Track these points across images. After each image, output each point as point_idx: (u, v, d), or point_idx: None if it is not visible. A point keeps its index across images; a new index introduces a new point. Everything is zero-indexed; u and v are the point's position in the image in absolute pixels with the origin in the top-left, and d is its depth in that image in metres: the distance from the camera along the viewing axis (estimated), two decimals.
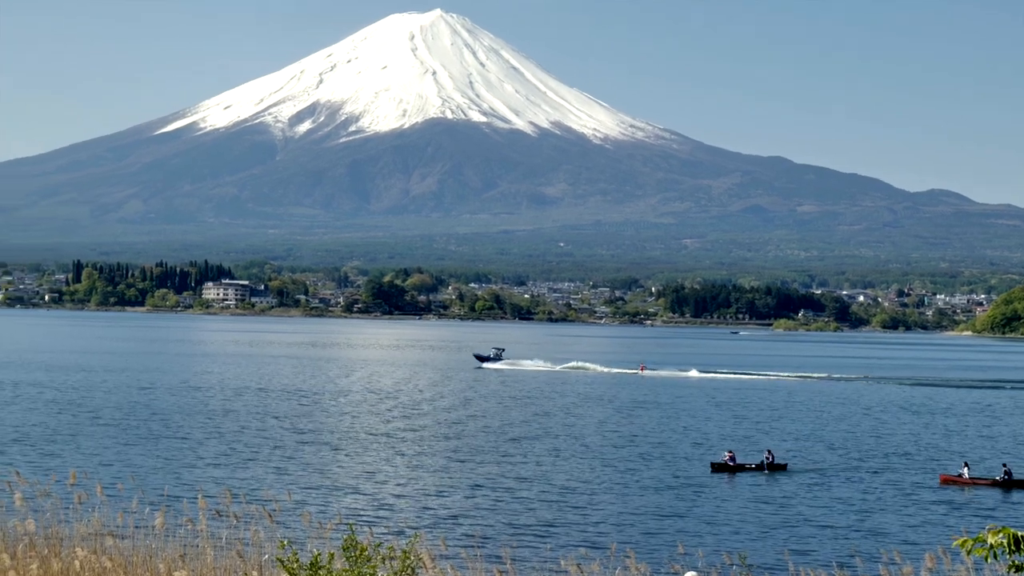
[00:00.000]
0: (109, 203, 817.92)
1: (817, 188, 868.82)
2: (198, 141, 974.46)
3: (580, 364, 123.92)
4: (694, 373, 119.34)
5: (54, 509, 24.37)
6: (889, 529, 38.37)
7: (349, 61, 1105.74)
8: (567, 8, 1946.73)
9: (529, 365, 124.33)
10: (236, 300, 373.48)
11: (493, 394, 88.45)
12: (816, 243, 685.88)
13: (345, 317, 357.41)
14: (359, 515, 36.10)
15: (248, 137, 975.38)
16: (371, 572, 16.38)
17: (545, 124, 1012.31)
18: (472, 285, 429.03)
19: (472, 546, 27.74)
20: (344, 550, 16.52)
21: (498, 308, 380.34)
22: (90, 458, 47.53)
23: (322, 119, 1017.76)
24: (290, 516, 30.76)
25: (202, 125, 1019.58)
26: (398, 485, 43.52)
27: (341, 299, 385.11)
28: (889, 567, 23.09)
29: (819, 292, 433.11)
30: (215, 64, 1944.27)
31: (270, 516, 23.03)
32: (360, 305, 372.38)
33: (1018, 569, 12.50)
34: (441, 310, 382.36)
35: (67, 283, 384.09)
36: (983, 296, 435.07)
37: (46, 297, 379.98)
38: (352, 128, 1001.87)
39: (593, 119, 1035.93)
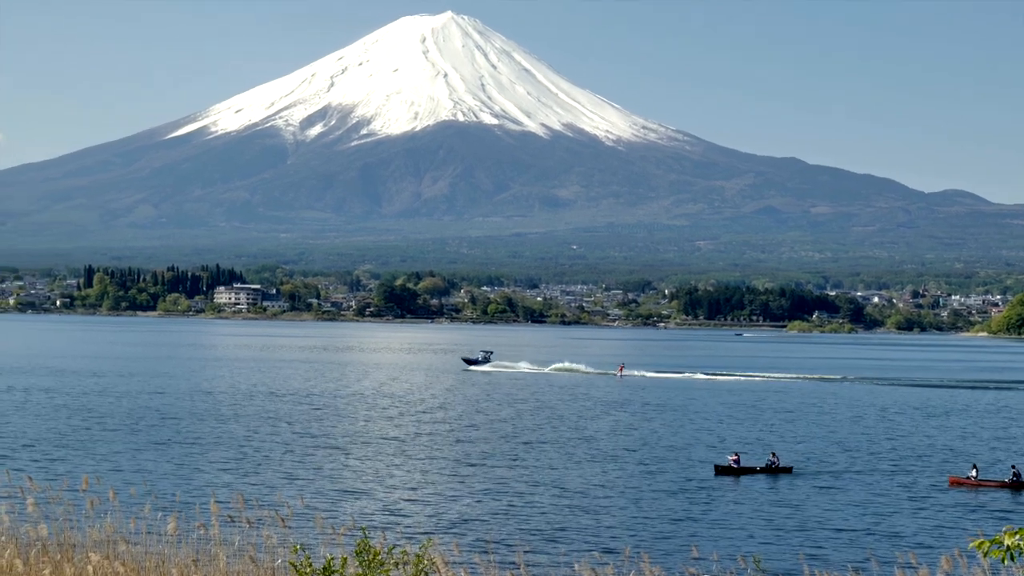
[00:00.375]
0: (120, 208, 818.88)
1: (831, 189, 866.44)
2: (209, 145, 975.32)
3: (568, 366, 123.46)
4: (668, 374, 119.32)
5: (66, 514, 24.48)
6: (899, 531, 38.14)
7: (360, 64, 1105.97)
8: (579, 10, 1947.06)
9: (517, 367, 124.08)
10: (248, 304, 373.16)
11: (505, 398, 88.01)
12: (830, 244, 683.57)
13: (357, 321, 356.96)
14: (371, 520, 36.10)
15: (259, 141, 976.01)
16: None
17: (557, 126, 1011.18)
18: (484, 288, 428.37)
19: (485, 551, 27.62)
20: (357, 554, 16.46)
21: (510, 311, 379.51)
22: (102, 463, 47.55)
23: (333, 122, 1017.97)
24: (302, 521, 30.86)
25: (213, 129, 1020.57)
26: (410, 489, 43.48)
27: (353, 303, 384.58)
28: (905, 570, 22.87)
29: (833, 294, 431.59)
30: (226, 68, 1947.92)
31: (283, 521, 23.14)
32: (372, 309, 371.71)
33: None
34: (453, 313, 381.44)
35: (78, 288, 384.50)
36: (998, 297, 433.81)
37: (57, 302, 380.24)
38: (363, 131, 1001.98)
39: (605, 121, 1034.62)
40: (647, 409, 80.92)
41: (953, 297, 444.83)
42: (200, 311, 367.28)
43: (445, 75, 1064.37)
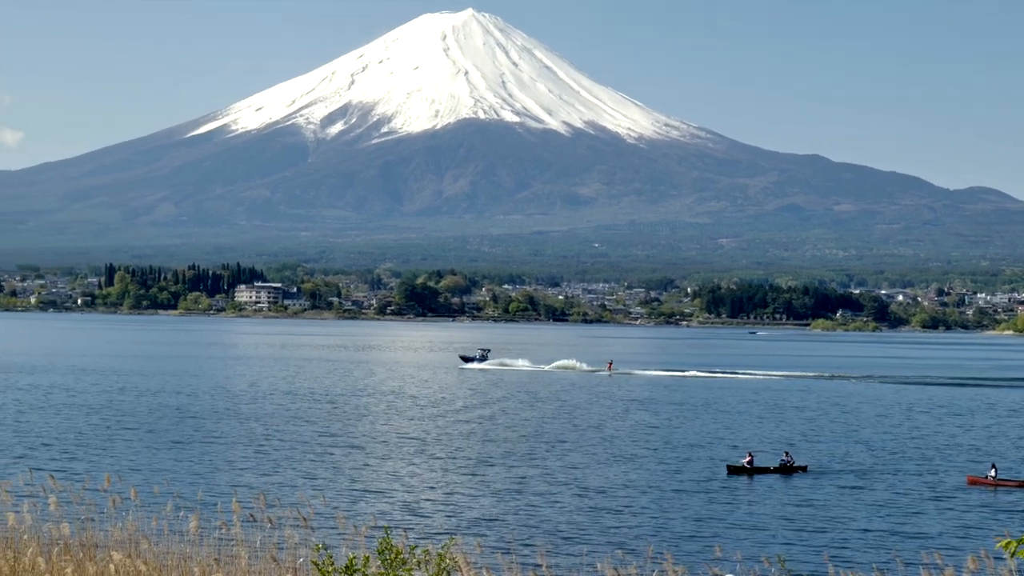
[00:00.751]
0: (141, 206, 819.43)
1: (855, 186, 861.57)
2: (229, 143, 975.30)
3: (567, 364, 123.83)
4: (659, 372, 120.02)
5: (88, 513, 24.70)
6: (922, 531, 38.12)
7: (381, 62, 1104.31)
8: (600, 7, 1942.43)
9: (515, 365, 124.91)
10: (269, 303, 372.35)
11: (525, 396, 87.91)
12: (854, 242, 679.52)
13: (378, 319, 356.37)
14: (392, 519, 36.19)
15: (280, 139, 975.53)
16: (407, 575, 16.39)
17: (579, 123, 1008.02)
18: (506, 286, 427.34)
19: (508, 551, 27.65)
20: (379, 553, 16.38)
21: (532, 309, 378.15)
22: (123, 462, 47.77)
23: (354, 120, 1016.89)
24: (324, 520, 31.04)
25: (233, 127, 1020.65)
26: (431, 488, 43.70)
27: (374, 301, 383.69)
28: (931, 570, 22.82)
29: (857, 292, 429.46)
30: (246, 66, 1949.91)
31: (304, 520, 23.36)
32: (393, 307, 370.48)
33: None
34: (475, 312, 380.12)
35: (99, 286, 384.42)
36: None
37: (79, 301, 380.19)
38: (384, 129, 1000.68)
39: (627, 118, 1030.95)
40: (669, 408, 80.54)
41: (979, 295, 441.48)
42: (221, 310, 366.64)
43: (466, 73, 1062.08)
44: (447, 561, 17.13)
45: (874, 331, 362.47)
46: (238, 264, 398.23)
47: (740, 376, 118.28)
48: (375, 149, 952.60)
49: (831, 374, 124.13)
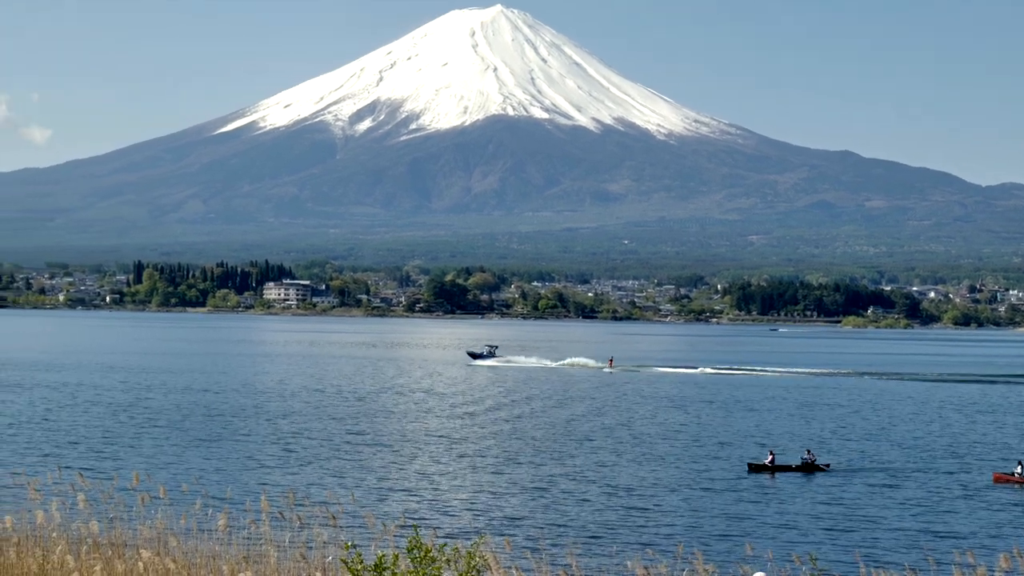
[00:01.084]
0: (169, 203, 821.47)
1: (886, 182, 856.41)
2: (257, 140, 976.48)
3: (576, 361, 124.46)
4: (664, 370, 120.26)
5: (117, 511, 24.74)
6: (952, 529, 37.92)
7: (409, 58, 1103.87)
8: (629, 2, 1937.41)
9: (522, 362, 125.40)
10: (297, 300, 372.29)
11: (553, 393, 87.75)
12: (885, 239, 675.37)
13: (407, 317, 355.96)
14: (421, 517, 36.16)
15: (308, 136, 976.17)
16: (436, 573, 16.31)
17: (608, 120, 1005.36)
18: (535, 284, 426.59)
19: (537, 549, 27.80)
20: (409, 551, 16.31)
21: (561, 307, 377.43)
22: (152, 460, 47.74)
23: (382, 117, 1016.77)
24: (352, 518, 30.82)
25: (261, 124, 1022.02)
26: (459, 487, 43.60)
27: (403, 298, 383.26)
28: (963, 569, 22.75)
29: (888, 289, 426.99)
30: (274, 63, 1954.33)
31: (333, 518, 23.27)
32: (422, 304, 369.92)
33: None
34: (504, 309, 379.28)
35: (128, 284, 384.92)
36: None
37: (107, 298, 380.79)
38: (413, 126, 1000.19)
39: (657, 114, 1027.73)
40: (698, 405, 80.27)
41: (1011, 292, 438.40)
42: (249, 307, 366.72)
43: (495, 69, 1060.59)
44: (476, 560, 16.97)
45: (906, 328, 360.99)
46: (266, 261, 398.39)
47: (748, 373, 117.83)
48: (403, 146, 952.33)
49: (852, 371, 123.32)
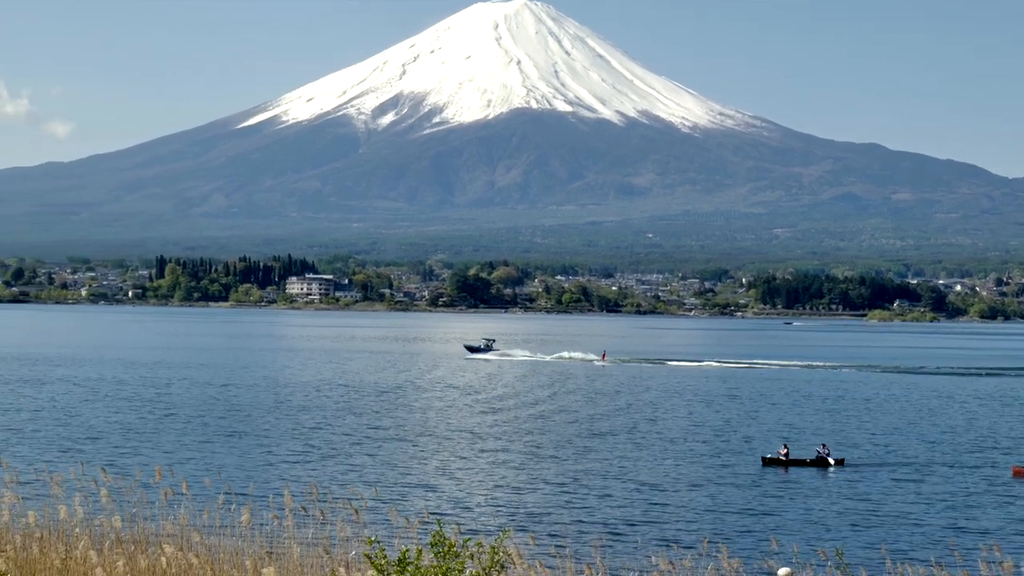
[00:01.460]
0: (192, 198, 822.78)
1: (913, 175, 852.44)
2: (280, 135, 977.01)
3: (570, 354, 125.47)
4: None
5: (140, 505, 24.94)
6: (977, 523, 37.55)
7: (432, 51, 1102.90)
8: None
9: (519, 355, 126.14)
10: (320, 295, 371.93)
11: (577, 389, 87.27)
12: (912, 231, 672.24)
13: (430, 311, 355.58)
14: (444, 512, 35.88)
15: (331, 130, 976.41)
16: (459, 568, 16.20)
17: (632, 113, 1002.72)
18: (559, 277, 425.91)
19: (560, 544, 27.69)
20: (432, 546, 16.25)
21: (585, 301, 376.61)
22: (174, 455, 47.61)
23: (405, 111, 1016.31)
24: (376, 513, 31.00)
25: (284, 118, 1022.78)
26: (482, 482, 43.42)
27: (426, 293, 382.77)
28: (990, 564, 22.27)
29: (915, 282, 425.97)
30: (297, 56, 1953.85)
31: (357, 512, 23.16)
32: (445, 299, 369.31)
33: None
34: (527, 303, 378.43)
35: (150, 279, 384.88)
36: None
37: (129, 293, 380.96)
38: (436, 119, 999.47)
39: (681, 107, 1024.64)
40: (721, 400, 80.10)
41: None
42: (272, 302, 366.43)
43: (518, 62, 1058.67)
44: (500, 555, 16.79)
45: (931, 321, 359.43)
46: (289, 256, 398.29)
47: (748, 366, 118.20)
48: (427, 139, 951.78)
49: (858, 365, 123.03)
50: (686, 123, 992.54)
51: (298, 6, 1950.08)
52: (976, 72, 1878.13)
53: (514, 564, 19.01)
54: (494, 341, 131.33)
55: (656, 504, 39.27)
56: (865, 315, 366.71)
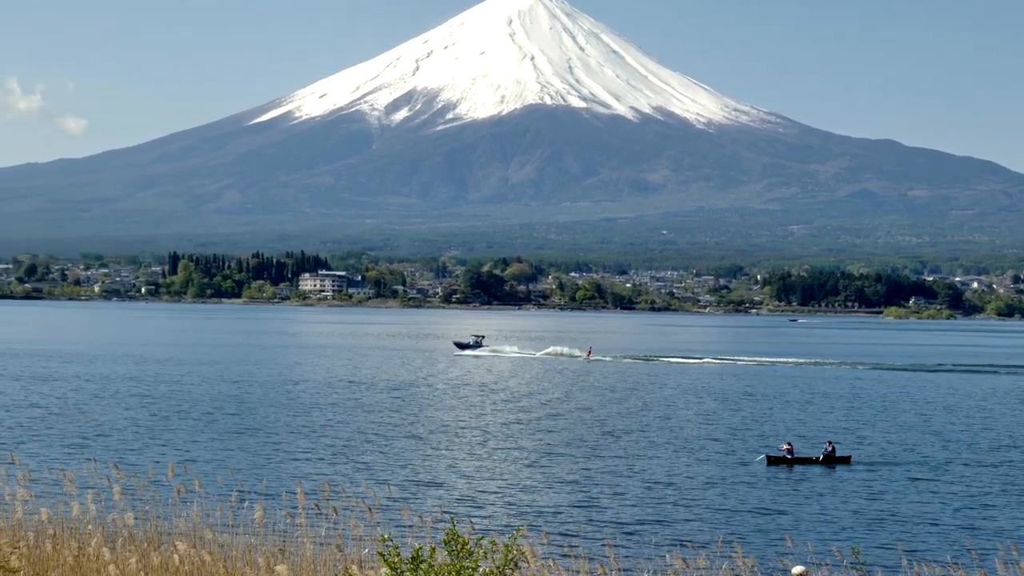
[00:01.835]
0: (205, 194, 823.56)
1: (929, 172, 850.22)
2: (294, 131, 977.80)
3: (559, 350, 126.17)
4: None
5: (153, 503, 25.08)
6: (993, 523, 37.20)
7: (446, 47, 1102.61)
8: None
9: (508, 352, 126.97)
10: (333, 291, 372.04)
11: (592, 387, 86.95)
12: (928, 228, 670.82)
13: (443, 308, 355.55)
14: (457, 510, 35.59)
15: (344, 126, 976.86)
16: (473, 566, 16.11)
17: (647, 109, 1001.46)
18: (573, 274, 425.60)
19: (575, 544, 27.62)
20: (446, 544, 16.13)
21: (599, 297, 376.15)
22: (186, 452, 47.40)
23: (419, 107, 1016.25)
24: (389, 511, 30.70)
25: (297, 114, 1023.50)
26: (495, 480, 43.15)
27: (439, 289, 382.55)
28: (1007, 564, 22.12)
29: (931, 279, 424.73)
30: (310, 52, 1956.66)
31: (370, 510, 23.17)
32: (458, 295, 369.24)
33: None
34: (541, 300, 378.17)
35: (163, 275, 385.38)
36: None
37: (143, 289, 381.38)
38: (449, 115, 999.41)
39: (696, 103, 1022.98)
40: (735, 397, 79.83)
41: None
42: (285, 298, 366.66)
43: (532, 58, 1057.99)
44: (514, 553, 16.63)
45: (948, 319, 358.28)
46: (302, 252, 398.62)
47: (726, 361, 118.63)
48: (440, 135, 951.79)
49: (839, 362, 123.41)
50: (701, 119, 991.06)
51: (311, 2, 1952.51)
52: (993, 68, 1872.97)
53: (528, 563, 18.83)
54: (483, 338, 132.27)
55: (667, 503, 39.05)
56: (881, 312, 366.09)
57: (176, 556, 20.87)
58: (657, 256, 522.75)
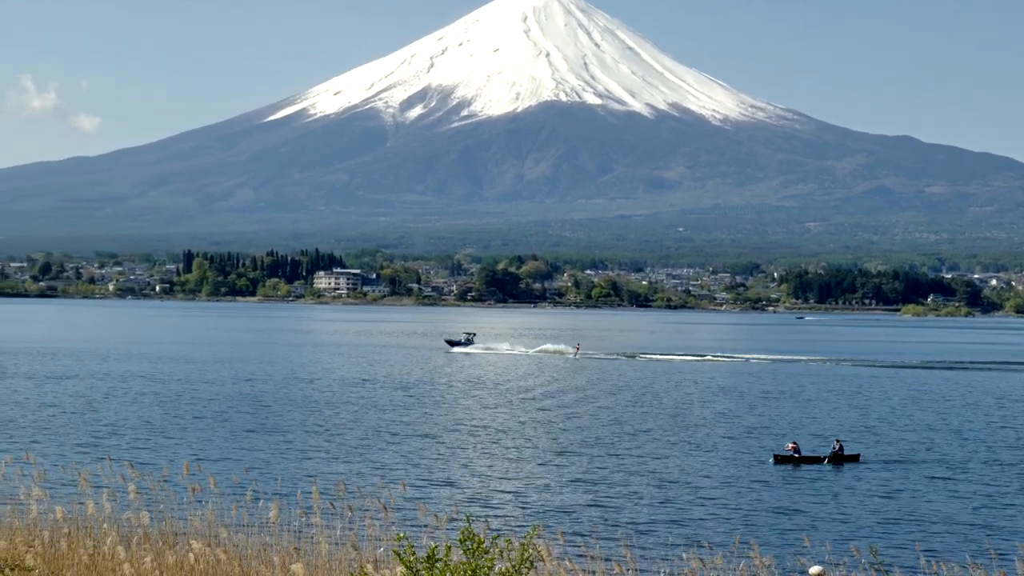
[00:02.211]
0: (219, 192, 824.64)
1: (947, 168, 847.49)
2: (308, 128, 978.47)
3: (552, 347, 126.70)
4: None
5: (167, 502, 25.13)
6: (1007, 523, 36.89)
7: (461, 44, 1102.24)
8: None
9: (501, 349, 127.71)
10: (348, 289, 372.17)
11: (605, 385, 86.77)
12: (946, 225, 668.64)
13: (458, 306, 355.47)
14: (473, 508, 35.62)
15: (358, 123, 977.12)
16: (488, 565, 16.07)
17: (662, 106, 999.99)
18: (588, 272, 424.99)
19: (590, 542, 27.56)
20: (461, 542, 16.05)
21: (615, 295, 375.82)
22: (200, 451, 47.42)
23: (433, 104, 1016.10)
24: (404, 510, 31.01)
25: (312, 112, 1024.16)
26: (510, 478, 43.01)
27: (454, 287, 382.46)
28: None
29: (949, 276, 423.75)
30: (324, 49, 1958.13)
31: (385, 509, 23.38)
32: (473, 293, 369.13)
33: None
34: (556, 298, 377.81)
35: (178, 273, 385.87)
36: None
37: (157, 287, 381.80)
38: (464, 112, 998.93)
39: (712, 100, 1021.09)
40: (751, 395, 79.65)
41: None
42: (300, 296, 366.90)
43: (547, 54, 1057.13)
44: (530, 552, 16.59)
45: (966, 316, 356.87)
46: (316, 250, 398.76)
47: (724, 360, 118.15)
48: (455, 133, 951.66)
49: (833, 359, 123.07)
50: (717, 115, 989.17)
51: (326, 0, 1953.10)
52: (1011, 64, 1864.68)
53: (544, 562, 18.65)
54: (474, 335, 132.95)
55: (692, 501, 38.94)
56: (899, 310, 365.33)
57: (191, 555, 20.91)
58: (673, 253, 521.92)
